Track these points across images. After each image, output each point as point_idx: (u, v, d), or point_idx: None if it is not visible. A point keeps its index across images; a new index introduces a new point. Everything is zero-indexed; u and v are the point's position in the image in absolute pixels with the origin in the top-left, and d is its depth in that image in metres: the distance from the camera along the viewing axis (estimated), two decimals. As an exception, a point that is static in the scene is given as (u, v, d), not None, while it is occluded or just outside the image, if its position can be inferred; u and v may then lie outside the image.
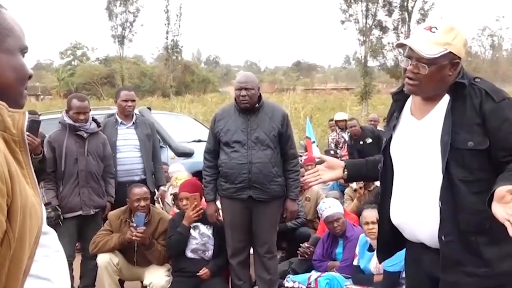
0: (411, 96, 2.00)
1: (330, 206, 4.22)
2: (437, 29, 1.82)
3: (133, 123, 4.51)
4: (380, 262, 2.28)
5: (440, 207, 1.82)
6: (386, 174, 2.07)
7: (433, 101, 1.90)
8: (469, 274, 1.81)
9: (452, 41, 1.82)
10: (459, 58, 1.85)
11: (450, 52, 1.81)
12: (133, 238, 3.69)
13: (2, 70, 1.08)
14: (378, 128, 8.54)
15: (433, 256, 1.90)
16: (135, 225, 3.72)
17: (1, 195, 0.91)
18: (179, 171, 5.34)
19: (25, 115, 1.07)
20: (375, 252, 3.63)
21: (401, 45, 1.94)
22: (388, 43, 21.90)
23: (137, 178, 4.38)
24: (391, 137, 2.05)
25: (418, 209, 1.91)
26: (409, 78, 1.87)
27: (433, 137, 1.85)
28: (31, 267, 1.06)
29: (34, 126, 3.47)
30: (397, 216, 2.02)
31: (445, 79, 1.85)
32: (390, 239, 2.11)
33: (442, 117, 1.84)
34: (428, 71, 1.81)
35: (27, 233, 0.99)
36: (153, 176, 4.57)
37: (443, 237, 1.83)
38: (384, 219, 2.09)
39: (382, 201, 2.10)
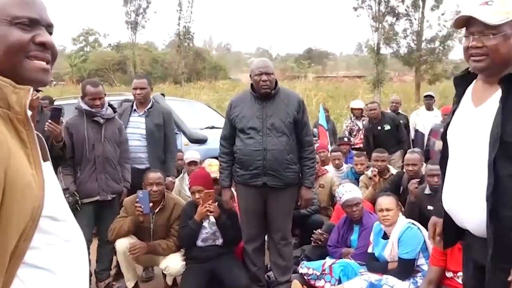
0: (474, 81, 1.95)
1: (350, 190, 4.18)
2: (493, 2, 1.79)
3: (145, 111, 4.49)
4: (444, 249, 2.24)
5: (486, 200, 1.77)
6: (444, 160, 2.06)
7: (493, 89, 1.85)
8: (504, 271, 1.76)
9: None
10: None
11: None
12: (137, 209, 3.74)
13: None
14: (400, 111, 8.31)
15: (481, 244, 1.87)
16: (137, 200, 3.77)
17: None
18: (193, 158, 5.29)
19: (30, 92, 1.03)
20: (389, 239, 3.65)
21: (459, 25, 1.87)
22: (404, 29, 21.56)
23: (142, 166, 4.39)
24: (449, 123, 2.04)
25: (465, 198, 1.89)
26: (475, 55, 1.82)
27: (485, 128, 1.80)
28: (28, 255, 0.98)
29: (55, 113, 3.51)
30: (446, 202, 2.02)
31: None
32: (450, 226, 2.06)
33: (497, 108, 1.79)
34: (495, 41, 1.76)
35: (13, 213, 0.94)
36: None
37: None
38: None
39: (441, 187, 2.09)
